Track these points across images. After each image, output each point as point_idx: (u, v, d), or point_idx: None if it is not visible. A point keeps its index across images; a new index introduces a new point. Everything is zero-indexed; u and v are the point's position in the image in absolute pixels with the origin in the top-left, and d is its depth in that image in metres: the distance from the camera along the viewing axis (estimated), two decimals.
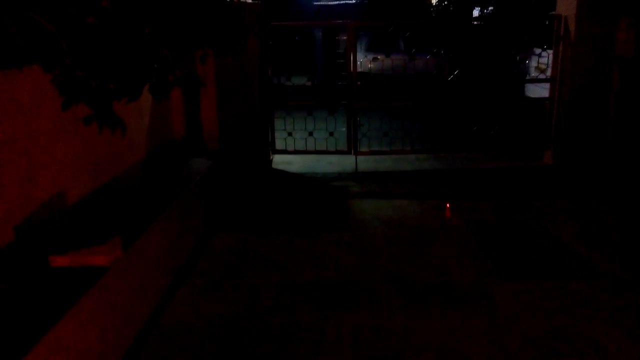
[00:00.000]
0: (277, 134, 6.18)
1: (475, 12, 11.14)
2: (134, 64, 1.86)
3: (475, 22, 11.03)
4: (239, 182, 5.45)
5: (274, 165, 6.13)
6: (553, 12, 5.85)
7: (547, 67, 6.17)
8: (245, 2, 5.53)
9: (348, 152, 6.10)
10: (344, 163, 6.13)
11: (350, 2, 11.08)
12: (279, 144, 6.24)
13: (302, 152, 6.25)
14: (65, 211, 2.81)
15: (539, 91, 7.40)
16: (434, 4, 12.02)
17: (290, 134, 6.16)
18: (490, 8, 10.43)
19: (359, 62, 11.52)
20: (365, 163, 6.07)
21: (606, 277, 3.37)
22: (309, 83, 6.73)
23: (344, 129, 6.19)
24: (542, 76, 6.43)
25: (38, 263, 2.44)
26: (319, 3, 11.42)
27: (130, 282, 2.78)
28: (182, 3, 2.24)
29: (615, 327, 2.81)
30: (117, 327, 2.59)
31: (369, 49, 11.81)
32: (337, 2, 10.97)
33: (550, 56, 5.99)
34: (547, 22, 6.06)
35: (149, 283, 3.04)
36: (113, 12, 1.71)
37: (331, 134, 6.25)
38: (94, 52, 1.68)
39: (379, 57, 10.25)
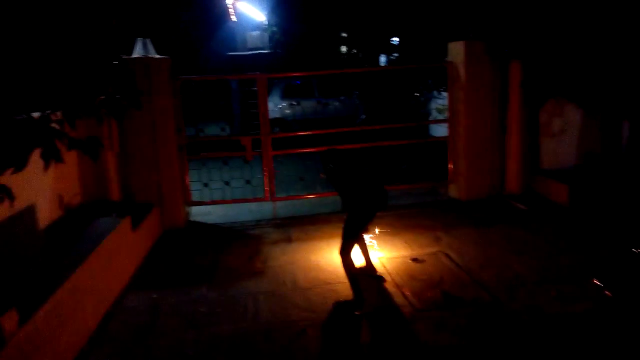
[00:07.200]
0: (192, 185, 6.13)
1: (382, 59, 11.91)
2: (17, 132, 1.86)
3: (381, 68, 11.76)
4: (153, 237, 5.32)
5: (192, 217, 6.05)
6: (446, 59, 6.40)
7: (445, 108, 6.70)
8: (154, 57, 5.57)
9: (265, 199, 6.18)
10: (262, 210, 6.19)
11: (263, 51, 11.44)
12: (195, 196, 6.18)
13: (220, 202, 6.25)
14: None
15: (441, 130, 7.97)
16: (344, 52, 12.71)
17: (206, 185, 6.15)
18: (396, 54, 11.17)
19: (276, 109, 11.78)
20: (284, 209, 6.17)
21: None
22: (223, 133, 6.81)
23: (260, 176, 6.28)
24: (440, 117, 6.96)
25: None
26: (232, 53, 11.67)
27: (32, 357, 2.62)
28: (71, 68, 2.25)
29: None
30: None
31: (285, 96, 12.14)
32: (251, 53, 11.28)
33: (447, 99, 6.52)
34: (442, 67, 6.62)
35: (54, 356, 2.87)
36: None
37: (248, 182, 6.32)
38: None
39: (294, 103, 10.58)
